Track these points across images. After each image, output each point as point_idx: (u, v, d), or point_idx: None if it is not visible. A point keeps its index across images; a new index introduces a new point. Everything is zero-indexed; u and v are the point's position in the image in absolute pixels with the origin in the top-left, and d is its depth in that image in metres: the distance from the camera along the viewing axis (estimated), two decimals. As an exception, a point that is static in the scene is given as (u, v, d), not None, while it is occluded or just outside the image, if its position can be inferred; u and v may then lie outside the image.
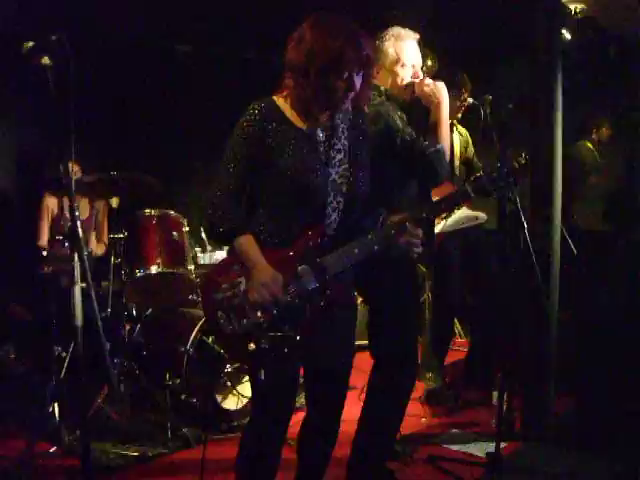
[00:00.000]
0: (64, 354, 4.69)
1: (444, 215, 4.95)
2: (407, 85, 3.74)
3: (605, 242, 5.87)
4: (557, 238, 4.52)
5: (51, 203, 5.78)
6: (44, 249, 5.58)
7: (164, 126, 6.38)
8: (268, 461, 2.97)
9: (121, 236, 4.91)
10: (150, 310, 5.31)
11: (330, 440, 3.11)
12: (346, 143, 2.93)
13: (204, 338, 4.82)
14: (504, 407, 4.29)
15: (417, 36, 3.78)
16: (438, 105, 3.68)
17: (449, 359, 5.78)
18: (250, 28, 6.06)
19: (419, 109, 3.79)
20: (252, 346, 2.79)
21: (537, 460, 4.30)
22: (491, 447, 3.85)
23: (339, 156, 2.90)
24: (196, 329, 4.79)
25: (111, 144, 6.05)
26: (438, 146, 3.54)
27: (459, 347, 6.86)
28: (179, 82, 6.29)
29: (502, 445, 3.85)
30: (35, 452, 4.18)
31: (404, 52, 3.72)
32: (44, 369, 4.76)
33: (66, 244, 5.13)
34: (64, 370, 4.61)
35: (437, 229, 4.90)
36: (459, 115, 5.35)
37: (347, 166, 2.91)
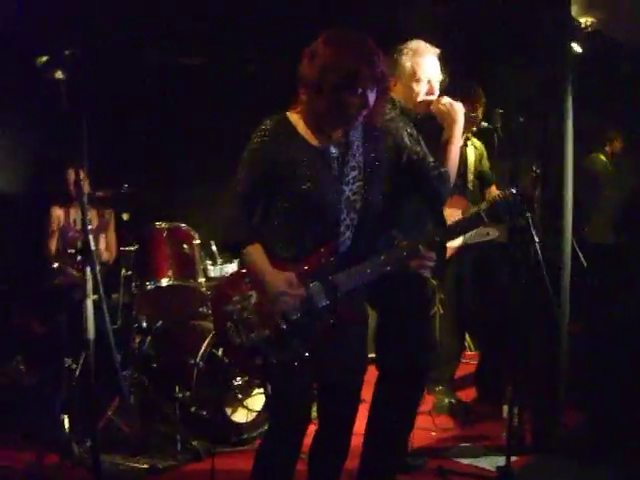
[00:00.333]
0: (74, 366, 4.70)
1: None
2: (422, 100, 3.74)
3: (617, 254, 5.86)
4: (568, 250, 4.51)
5: (58, 215, 5.80)
6: (52, 261, 5.60)
7: (175, 140, 6.39)
8: (283, 474, 2.96)
9: (132, 248, 4.91)
10: (160, 322, 5.30)
11: (341, 454, 3.10)
12: (361, 160, 2.92)
13: (214, 351, 4.81)
14: (515, 420, 4.27)
15: (437, 51, 3.76)
16: (452, 125, 3.66)
17: (459, 372, 5.76)
18: (259, 42, 6.07)
19: (432, 125, 3.79)
20: (259, 361, 2.80)
21: (548, 474, 4.29)
22: (502, 461, 3.83)
23: (353, 173, 2.89)
24: (206, 342, 4.79)
25: (120, 158, 6.06)
26: (442, 170, 3.50)
27: (469, 360, 6.83)
28: (190, 97, 6.30)
29: (513, 459, 3.83)
30: (45, 464, 4.19)
31: (421, 67, 3.69)
32: (54, 381, 4.76)
33: (78, 257, 5.16)
34: (74, 382, 4.62)
35: (448, 243, 4.89)
36: (474, 129, 5.34)
37: (361, 183, 2.90)
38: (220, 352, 4.79)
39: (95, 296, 2.50)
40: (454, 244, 5.09)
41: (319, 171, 2.83)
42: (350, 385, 3.04)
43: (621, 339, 4.91)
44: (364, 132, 2.96)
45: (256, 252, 2.81)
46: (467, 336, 7.02)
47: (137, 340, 5.03)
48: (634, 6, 5.57)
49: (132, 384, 4.76)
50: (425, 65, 3.72)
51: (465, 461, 4.47)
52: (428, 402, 5.28)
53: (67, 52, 2.50)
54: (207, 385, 4.76)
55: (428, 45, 3.76)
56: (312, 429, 3.10)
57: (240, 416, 4.72)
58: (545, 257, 3.75)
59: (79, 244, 5.26)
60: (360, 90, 2.72)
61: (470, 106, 5.28)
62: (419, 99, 3.73)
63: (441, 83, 3.81)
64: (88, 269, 2.49)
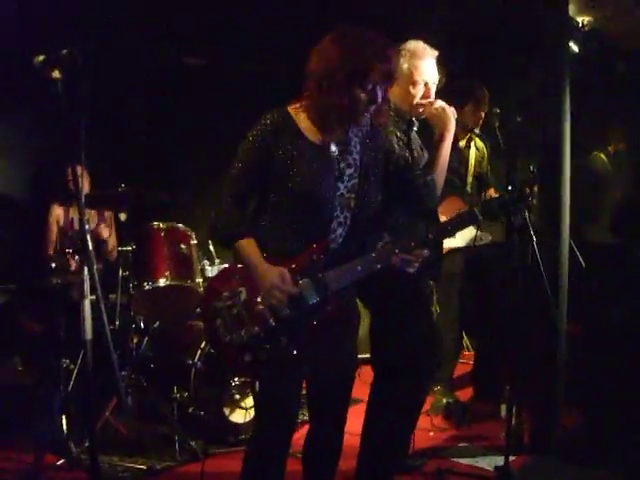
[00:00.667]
0: (72, 366, 4.69)
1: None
2: (417, 104, 3.71)
3: (616, 255, 5.85)
4: (565, 251, 4.51)
5: (58, 214, 5.79)
6: (51, 260, 5.58)
7: (174, 140, 6.39)
8: (273, 473, 2.96)
9: (129, 249, 4.90)
10: (158, 323, 5.30)
11: (334, 453, 3.10)
12: (357, 158, 2.91)
13: (212, 351, 4.81)
14: (513, 420, 4.27)
15: (435, 53, 3.73)
16: (443, 129, 3.63)
17: (457, 372, 5.75)
18: (260, 43, 6.07)
19: (428, 128, 3.77)
20: (248, 358, 2.79)
21: (546, 474, 4.29)
22: (500, 461, 3.83)
23: (349, 171, 2.89)
24: (204, 342, 4.78)
25: (120, 158, 6.05)
26: (428, 178, 3.46)
27: (467, 360, 6.83)
28: (190, 96, 6.29)
29: (511, 459, 3.83)
30: (42, 465, 4.19)
31: (418, 70, 3.66)
32: (52, 381, 4.76)
33: (76, 257, 5.15)
34: (72, 383, 4.61)
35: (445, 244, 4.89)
36: (476, 130, 5.33)
37: (356, 181, 2.90)
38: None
39: (93, 296, 2.49)
40: (451, 244, 5.08)
41: (317, 168, 2.82)
42: (340, 383, 3.04)
43: (619, 339, 4.91)
44: (365, 130, 2.95)
45: (249, 246, 2.81)
46: (465, 336, 7.04)
47: (134, 340, 5.02)
48: (631, 5, 5.58)
49: (129, 385, 4.74)
50: (423, 68, 3.69)
51: (463, 461, 4.46)
52: (427, 402, 5.27)
53: (64, 51, 2.49)
54: (205, 385, 4.76)
55: (427, 47, 3.73)
56: (306, 429, 3.12)
57: (238, 416, 4.71)
58: (543, 257, 3.75)
59: (78, 243, 5.33)
60: (370, 85, 2.72)
61: (474, 107, 5.29)
62: (414, 102, 3.71)
63: (438, 84, 3.80)
64: (86, 269, 2.49)
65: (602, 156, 7.00)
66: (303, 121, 2.86)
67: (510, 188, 2.96)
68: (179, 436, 4.52)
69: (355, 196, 2.89)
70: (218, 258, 5.38)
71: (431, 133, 3.74)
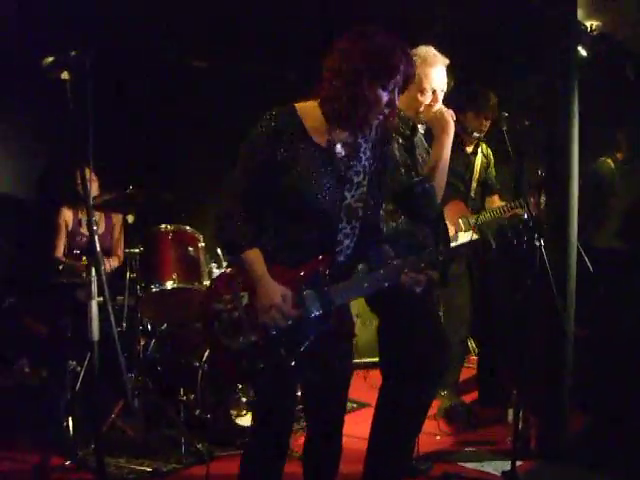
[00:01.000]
0: (79, 368, 4.70)
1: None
2: (423, 111, 3.69)
3: (623, 260, 5.83)
4: (573, 255, 4.49)
5: (67, 216, 5.79)
6: (60, 262, 5.60)
7: (181, 142, 6.40)
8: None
9: (137, 251, 4.90)
10: (165, 325, 5.31)
11: (334, 457, 3.05)
12: (366, 164, 2.83)
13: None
14: (520, 425, 4.26)
15: (446, 61, 3.70)
16: (441, 134, 3.61)
17: (463, 376, 5.75)
18: (263, 44, 6.08)
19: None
20: (244, 365, 2.73)
21: (553, 478, 4.28)
22: (507, 465, 3.83)
23: (357, 178, 2.80)
24: (210, 344, 4.78)
25: (128, 160, 6.06)
26: (427, 185, 3.45)
27: (472, 365, 6.82)
28: (196, 98, 6.30)
29: (518, 463, 3.82)
30: (49, 466, 4.19)
31: (429, 77, 3.64)
32: (59, 383, 4.76)
33: (79, 259, 5.17)
34: (79, 384, 4.62)
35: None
36: (475, 134, 5.32)
37: (365, 189, 2.82)
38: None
39: (100, 298, 2.49)
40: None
41: (321, 172, 2.73)
42: (336, 392, 2.99)
43: (626, 344, 4.90)
44: (373, 135, 2.86)
45: (255, 258, 2.71)
46: (471, 340, 7.02)
47: (141, 343, 5.02)
48: (638, 10, 5.57)
49: (136, 387, 4.74)
50: (433, 75, 3.66)
51: (470, 466, 4.45)
52: (433, 406, 5.26)
53: (73, 53, 2.50)
54: (211, 388, 4.76)
55: (437, 54, 3.70)
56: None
57: (244, 419, 4.70)
58: (551, 261, 3.74)
59: (85, 246, 5.34)
60: (392, 86, 2.67)
61: (475, 112, 5.28)
62: (421, 109, 3.69)
63: (446, 88, 3.78)
64: (93, 270, 2.49)
65: (609, 162, 6.96)
66: (310, 120, 2.76)
67: (526, 216, 2.90)
68: (185, 438, 4.53)
69: (363, 205, 2.82)
70: (225, 261, 5.38)
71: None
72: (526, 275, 4.04)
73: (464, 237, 4.94)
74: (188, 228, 5.22)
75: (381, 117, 2.74)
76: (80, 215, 5.80)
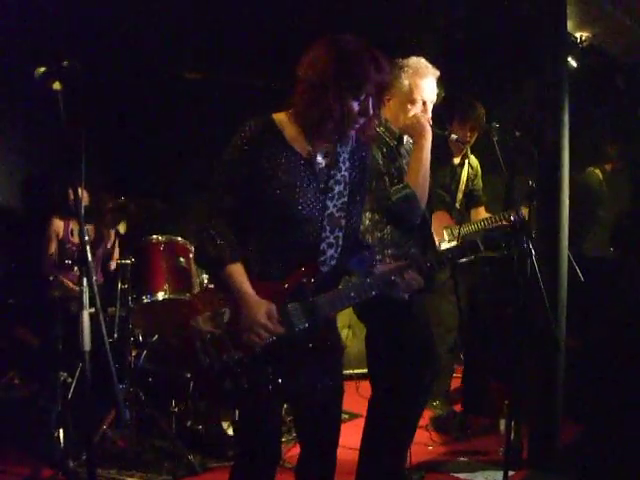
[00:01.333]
0: (70, 379, 4.68)
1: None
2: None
3: (613, 269, 5.86)
4: (564, 265, 4.50)
5: (58, 226, 5.79)
6: (50, 273, 5.58)
7: (172, 152, 6.41)
8: None
9: (128, 262, 4.90)
10: (156, 336, 5.30)
11: (328, 472, 2.95)
12: (346, 174, 2.78)
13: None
14: (512, 435, 4.26)
15: (437, 73, 3.70)
16: (418, 139, 3.60)
17: (454, 385, 5.75)
18: (260, 57, 6.09)
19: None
20: (228, 385, 2.63)
21: (545, 489, 4.28)
22: (499, 476, 3.81)
23: (338, 187, 2.75)
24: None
25: (119, 169, 6.07)
26: (407, 191, 3.45)
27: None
28: (188, 109, 6.31)
29: (510, 474, 3.81)
30: (40, 478, 4.17)
31: (419, 88, 3.64)
32: (49, 394, 4.75)
33: (74, 268, 5.16)
34: (70, 396, 4.60)
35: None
36: (461, 143, 5.33)
37: (346, 199, 2.77)
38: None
39: (92, 309, 2.48)
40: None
41: (302, 182, 2.69)
42: (329, 409, 2.89)
43: (617, 353, 4.91)
44: (352, 144, 2.82)
45: (237, 273, 2.63)
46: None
47: (133, 354, 5.01)
48: (628, 21, 5.60)
49: (128, 398, 4.73)
50: (423, 86, 3.67)
51: (462, 476, 4.45)
52: (425, 416, 5.26)
53: (65, 63, 2.50)
54: (203, 399, 4.75)
55: (429, 65, 3.70)
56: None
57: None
58: (541, 271, 3.74)
59: (75, 255, 5.34)
60: (364, 96, 2.61)
61: (459, 122, 5.29)
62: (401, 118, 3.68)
63: (436, 98, 3.79)
64: (85, 281, 2.48)
65: (597, 172, 7.01)
66: (289, 130, 2.72)
67: (513, 218, 2.89)
68: (177, 450, 4.52)
69: (345, 215, 2.77)
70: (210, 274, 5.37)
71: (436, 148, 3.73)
72: (516, 284, 4.05)
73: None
74: (179, 239, 5.22)
75: (357, 127, 2.69)
76: (71, 225, 5.79)
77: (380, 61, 2.62)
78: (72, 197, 5.55)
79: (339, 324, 3.02)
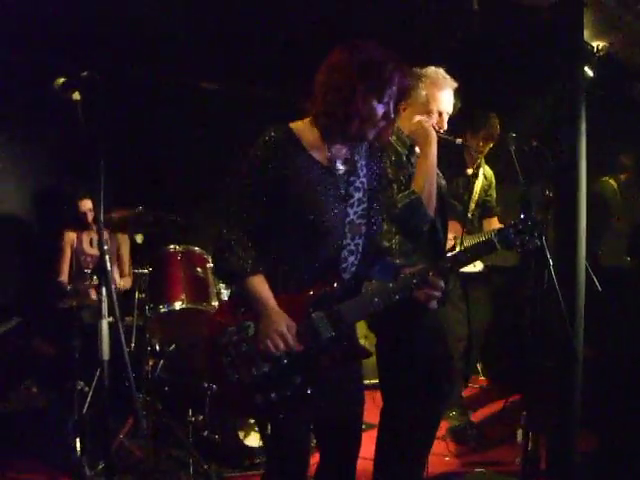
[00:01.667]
0: (87, 389, 4.70)
1: None
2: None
3: (629, 278, 5.83)
4: (582, 275, 4.48)
5: (71, 238, 5.83)
6: (65, 284, 5.62)
7: (189, 163, 6.43)
8: None
9: (145, 271, 4.92)
10: (173, 346, 5.30)
11: None
12: (364, 180, 2.80)
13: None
14: (529, 445, 4.23)
15: (455, 85, 3.68)
16: (422, 144, 3.56)
17: (471, 395, 5.74)
18: (276, 68, 6.11)
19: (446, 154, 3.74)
20: (259, 399, 2.63)
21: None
22: (516, 486, 3.80)
23: (358, 195, 2.77)
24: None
25: (135, 180, 6.09)
26: (413, 197, 3.42)
27: (480, 385, 6.80)
28: (207, 120, 6.33)
29: (528, 484, 3.80)
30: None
31: (436, 100, 3.62)
32: (66, 404, 4.76)
33: (89, 278, 5.18)
34: (86, 405, 4.61)
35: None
36: (476, 153, 5.33)
37: (365, 205, 2.79)
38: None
39: (111, 318, 2.49)
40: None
41: (324, 191, 2.69)
42: (352, 418, 2.91)
43: (635, 363, 4.88)
44: (368, 150, 2.85)
45: (259, 284, 2.64)
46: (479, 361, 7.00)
47: (150, 363, 5.02)
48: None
49: (144, 407, 4.73)
50: (441, 98, 3.64)
51: (479, 486, 4.44)
52: (442, 427, 5.24)
53: (84, 74, 2.51)
54: (220, 409, 4.75)
55: (447, 77, 3.68)
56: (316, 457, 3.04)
57: (253, 440, 4.69)
58: (558, 281, 3.73)
59: (91, 266, 5.36)
60: (387, 99, 2.63)
61: (473, 134, 5.28)
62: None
63: (453, 108, 3.77)
64: (104, 290, 2.49)
65: (612, 182, 6.97)
66: (307, 138, 2.73)
67: (523, 216, 2.87)
68: (194, 460, 4.51)
69: (366, 222, 2.79)
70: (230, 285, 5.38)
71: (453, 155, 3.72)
72: (532, 294, 4.04)
73: None
74: (197, 249, 5.24)
75: (377, 130, 2.70)
76: (84, 236, 5.84)
77: (403, 66, 2.66)
78: (81, 209, 5.64)
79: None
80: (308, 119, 2.77)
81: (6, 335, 5.02)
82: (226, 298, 5.24)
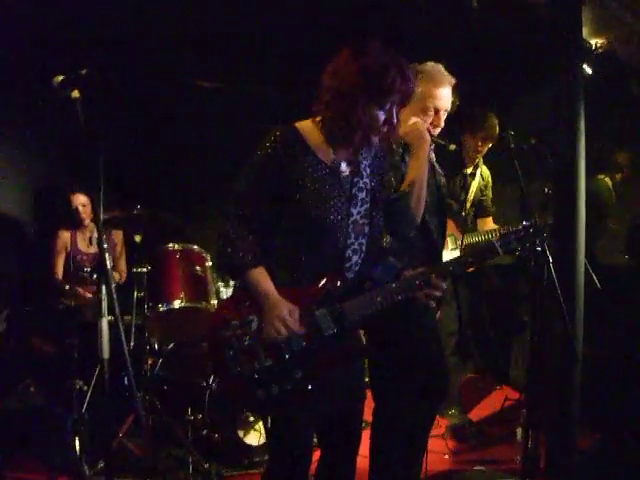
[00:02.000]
0: (85, 387, 4.69)
1: None
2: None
3: (627, 276, 5.82)
4: (581, 273, 4.48)
5: (65, 238, 5.83)
6: (61, 283, 5.62)
7: (188, 161, 6.42)
8: None
9: (144, 270, 4.91)
10: (172, 344, 5.30)
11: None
12: (367, 181, 2.83)
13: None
14: (529, 443, 4.23)
15: (453, 81, 3.63)
16: (414, 145, 3.51)
17: (468, 393, 5.73)
18: (277, 67, 6.10)
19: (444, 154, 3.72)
20: (260, 394, 2.65)
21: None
22: (516, 485, 3.80)
23: (361, 195, 2.80)
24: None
25: (133, 179, 6.08)
26: (400, 201, 3.35)
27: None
28: (205, 119, 6.32)
29: (527, 483, 3.80)
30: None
31: (433, 97, 3.57)
32: (65, 402, 4.75)
33: (87, 277, 5.17)
34: (85, 404, 4.61)
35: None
36: (479, 156, 5.33)
37: (368, 206, 2.82)
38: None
39: (110, 316, 2.48)
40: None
41: (328, 190, 2.72)
42: (353, 415, 2.94)
43: (635, 360, 4.88)
44: (373, 152, 2.87)
45: (260, 276, 2.68)
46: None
47: (149, 362, 5.01)
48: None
49: (144, 406, 4.73)
50: (438, 95, 3.59)
51: (479, 485, 4.44)
52: (441, 425, 5.24)
53: (83, 72, 2.51)
54: (219, 407, 4.74)
55: (445, 73, 3.64)
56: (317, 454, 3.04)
57: (252, 438, 4.70)
58: (558, 279, 3.72)
59: (88, 264, 5.35)
60: (389, 105, 2.65)
61: (472, 134, 5.27)
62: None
63: (450, 106, 3.73)
64: (104, 288, 2.48)
65: (607, 180, 6.96)
66: (312, 138, 2.75)
67: (525, 223, 2.86)
68: (193, 458, 4.51)
69: (369, 222, 2.82)
70: (233, 280, 5.37)
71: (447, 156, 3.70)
72: (532, 292, 4.03)
73: (450, 256, 4.92)
74: (195, 247, 5.24)
75: (380, 135, 2.72)
76: (79, 236, 5.83)
77: (405, 71, 2.65)
78: (73, 204, 5.63)
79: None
80: (313, 119, 2.80)
81: (4, 334, 5.02)
82: (225, 297, 5.24)
